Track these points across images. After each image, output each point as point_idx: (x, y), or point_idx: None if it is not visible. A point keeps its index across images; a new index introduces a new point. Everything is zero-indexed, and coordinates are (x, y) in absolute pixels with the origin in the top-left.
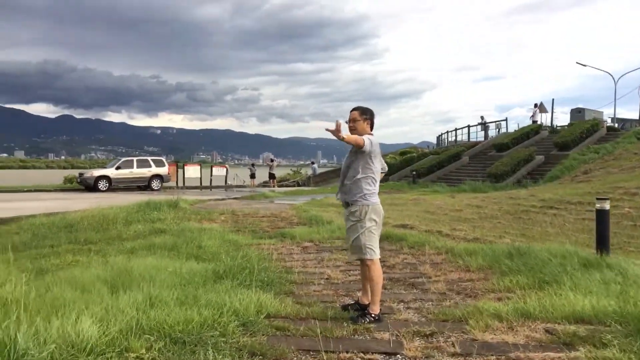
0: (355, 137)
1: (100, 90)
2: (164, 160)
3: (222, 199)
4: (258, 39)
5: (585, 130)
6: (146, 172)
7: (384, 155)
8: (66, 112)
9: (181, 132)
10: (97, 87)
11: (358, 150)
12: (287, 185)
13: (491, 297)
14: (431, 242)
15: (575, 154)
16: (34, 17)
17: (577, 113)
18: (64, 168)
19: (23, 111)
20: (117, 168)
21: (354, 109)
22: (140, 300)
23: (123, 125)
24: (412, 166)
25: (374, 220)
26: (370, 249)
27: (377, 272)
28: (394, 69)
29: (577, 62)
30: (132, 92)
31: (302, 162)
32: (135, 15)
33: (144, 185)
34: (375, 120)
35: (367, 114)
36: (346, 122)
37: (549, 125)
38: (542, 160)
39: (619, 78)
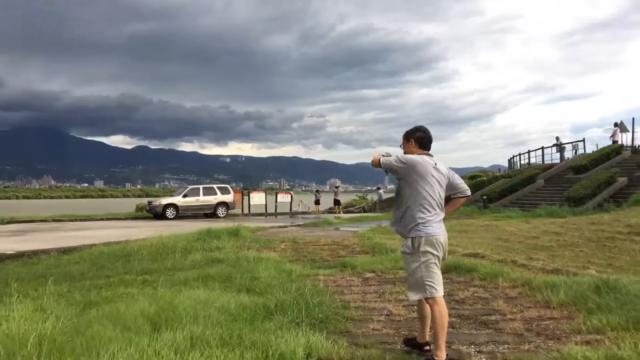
0: (386, 161)
1: (173, 122)
2: (229, 187)
3: (285, 226)
4: (324, 67)
5: None
6: (212, 199)
7: None
8: (142, 143)
9: (249, 160)
10: (170, 119)
11: (394, 174)
12: (352, 212)
13: (577, 340)
14: (505, 273)
15: None
16: (112, 54)
17: None
18: (139, 196)
19: (102, 143)
20: (184, 196)
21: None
22: (181, 340)
23: (194, 154)
24: (483, 190)
25: (430, 253)
26: (430, 285)
27: (440, 312)
28: (463, 91)
29: None
30: (203, 122)
31: (369, 188)
32: (206, 48)
33: (210, 212)
34: (444, 144)
35: (408, 135)
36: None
37: (630, 145)
38: (625, 183)
39: None
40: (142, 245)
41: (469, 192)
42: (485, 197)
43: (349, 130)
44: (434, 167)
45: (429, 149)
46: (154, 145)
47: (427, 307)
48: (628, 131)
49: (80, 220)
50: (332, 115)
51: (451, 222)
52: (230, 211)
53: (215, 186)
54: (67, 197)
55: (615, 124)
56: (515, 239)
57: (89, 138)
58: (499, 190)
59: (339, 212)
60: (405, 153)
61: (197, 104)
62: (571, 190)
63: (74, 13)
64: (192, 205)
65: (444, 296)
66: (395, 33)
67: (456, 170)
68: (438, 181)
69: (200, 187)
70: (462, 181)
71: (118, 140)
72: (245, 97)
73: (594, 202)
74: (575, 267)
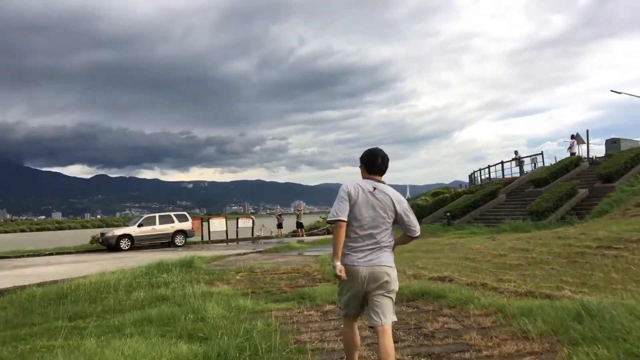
0: (335, 246)
1: (133, 149)
2: (187, 215)
3: (244, 253)
4: (285, 90)
5: (630, 159)
6: (169, 228)
7: (415, 198)
8: (101, 171)
9: (213, 185)
10: (130, 146)
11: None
12: (316, 234)
13: None
14: (476, 298)
15: (623, 185)
16: (69, 83)
17: (612, 143)
18: (99, 227)
19: (59, 173)
20: (139, 225)
21: None
22: None
23: (156, 181)
24: (446, 207)
25: (347, 282)
26: (341, 307)
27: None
28: (421, 110)
29: (612, 90)
30: (164, 148)
31: None
32: (165, 75)
33: (167, 241)
34: (405, 162)
35: (361, 158)
36: None
37: (587, 156)
38: (586, 194)
39: None
40: (82, 283)
41: (416, 234)
42: (448, 214)
43: (311, 152)
44: (370, 192)
45: (379, 173)
46: (113, 173)
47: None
48: (584, 143)
49: (28, 256)
50: (294, 137)
51: (416, 241)
52: (190, 239)
53: (172, 214)
54: (22, 230)
55: (572, 136)
56: (483, 258)
57: (45, 169)
58: (462, 207)
59: (302, 235)
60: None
61: (158, 130)
62: (533, 204)
63: (28, 43)
64: (148, 234)
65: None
66: (354, 55)
67: (418, 187)
68: (373, 207)
69: (157, 215)
70: (414, 220)
71: (76, 170)
72: (206, 123)
73: (556, 214)
74: (549, 288)
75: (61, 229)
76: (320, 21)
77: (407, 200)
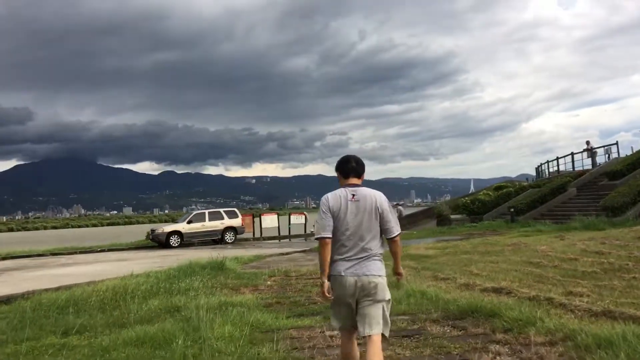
0: (322, 263)
1: (198, 146)
2: (236, 211)
3: (287, 253)
4: (345, 85)
5: None
6: (219, 224)
7: (478, 192)
8: (168, 168)
9: (274, 180)
10: (195, 143)
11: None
12: None
13: None
14: (539, 319)
15: None
16: (138, 84)
17: None
18: (165, 221)
19: (130, 170)
20: (189, 222)
21: None
22: None
23: (220, 177)
24: (510, 202)
25: (334, 293)
26: (332, 318)
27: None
28: (485, 102)
29: None
30: (227, 145)
31: (394, 203)
32: (228, 74)
33: (217, 238)
34: (468, 156)
35: (336, 166)
36: None
37: None
38: None
39: None
40: (95, 290)
41: (394, 233)
42: (512, 209)
43: (371, 147)
44: (351, 200)
45: (355, 176)
46: (180, 170)
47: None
48: None
49: (80, 252)
50: (354, 132)
51: (475, 240)
52: (241, 236)
53: (222, 210)
54: (94, 225)
55: None
56: (549, 263)
57: (116, 166)
58: (527, 202)
59: None
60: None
61: (221, 127)
62: (608, 199)
63: (100, 46)
64: (197, 231)
65: None
66: (415, 48)
67: (483, 181)
68: (356, 213)
69: (206, 211)
70: (392, 220)
71: (145, 167)
72: (268, 119)
73: (634, 210)
74: (633, 306)
75: (130, 223)
76: (380, 15)
77: (470, 194)
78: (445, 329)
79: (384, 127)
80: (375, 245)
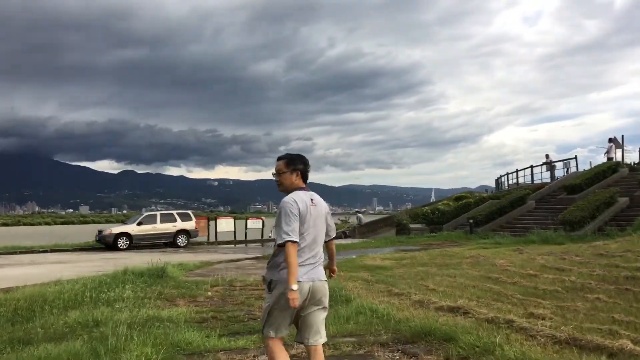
0: (291, 268)
1: (160, 146)
2: (190, 214)
3: (237, 260)
4: (312, 91)
5: None
6: (171, 227)
7: (438, 202)
8: (128, 167)
9: (237, 183)
10: (157, 143)
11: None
12: None
13: None
14: (498, 347)
15: None
16: (101, 80)
17: None
18: (122, 222)
19: (88, 168)
20: (139, 224)
21: (279, 158)
22: None
23: (181, 178)
24: (469, 213)
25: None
26: (267, 327)
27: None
28: (449, 114)
29: None
30: (190, 146)
31: (356, 210)
32: (194, 75)
33: (169, 241)
34: (431, 166)
35: (296, 164)
36: (273, 173)
37: (620, 162)
38: (626, 203)
39: None
40: (12, 297)
41: (333, 235)
42: (471, 221)
43: (335, 153)
44: (311, 205)
45: (305, 180)
46: (140, 169)
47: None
48: (621, 147)
49: (21, 252)
50: (319, 138)
51: (433, 251)
52: (194, 239)
53: (175, 212)
54: (47, 223)
55: (610, 140)
56: (508, 279)
57: (74, 163)
58: (486, 213)
59: None
60: (285, 184)
61: (185, 128)
62: (567, 213)
63: (65, 41)
64: (147, 234)
65: None
66: (383, 58)
67: (443, 191)
68: (314, 220)
69: (158, 213)
70: (333, 223)
71: (104, 166)
72: (233, 122)
73: (593, 225)
74: (598, 333)
75: (85, 222)
76: (350, 23)
77: (431, 203)
78: (395, 354)
79: (349, 134)
80: (321, 250)
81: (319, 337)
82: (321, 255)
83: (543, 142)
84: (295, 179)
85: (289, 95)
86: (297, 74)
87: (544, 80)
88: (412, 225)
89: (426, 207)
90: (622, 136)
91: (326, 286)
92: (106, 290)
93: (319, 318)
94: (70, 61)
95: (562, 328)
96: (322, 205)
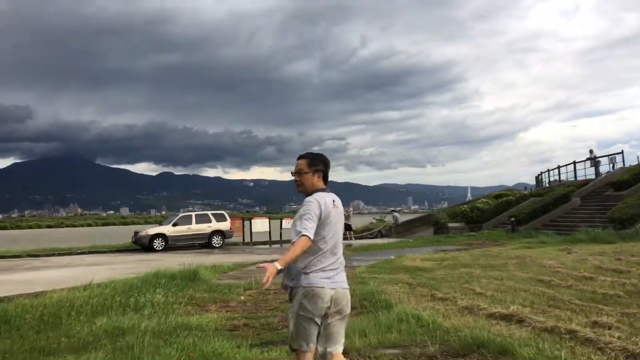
0: (291, 254)
1: (196, 148)
2: (225, 214)
3: (272, 261)
4: (345, 90)
5: None
6: (206, 227)
7: (475, 200)
8: (166, 169)
9: (273, 183)
10: (194, 145)
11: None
12: (367, 237)
13: None
14: None
15: None
16: (139, 84)
17: None
18: (159, 223)
19: (128, 170)
20: (174, 225)
21: (300, 157)
22: None
23: (218, 179)
24: (510, 211)
25: (306, 308)
26: (296, 340)
27: None
28: (484, 111)
29: None
30: (226, 147)
31: (392, 209)
32: (229, 77)
33: (204, 242)
34: (466, 163)
35: (317, 164)
36: (292, 172)
37: None
38: None
39: None
40: (38, 304)
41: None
42: (513, 219)
43: (369, 152)
44: (333, 207)
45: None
46: (178, 171)
47: None
48: None
49: (59, 254)
50: (353, 137)
51: (475, 251)
52: (229, 240)
53: (209, 213)
54: (89, 225)
55: None
56: (562, 281)
57: (114, 166)
58: (528, 211)
59: (350, 239)
60: (305, 185)
61: (220, 129)
62: (615, 210)
63: (105, 46)
64: (183, 234)
65: None
66: (416, 55)
67: (480, 189)
68: (336, 222)
69: (193, 214)
70: None
71: (143, 168)
72: (267, 123)
73: None
74: None
75: (125, 224)
76: (383, 22)
77: (468, 202)
78: None
79: (382, 133)
80: (342, 256)
81: (339, 346)
82: (343, 261)
83: (583, 138)
84: (317, 181)
85: (322, 95)
86: (330, 73)
87: (582, 75)
88: (450, 224)
89: (465, 206)
90: None
91: (348, 294)
92: (136, 294)
93: (341, 329)
94: (109, 66)
95: (632, 339)
96: (341, 208)
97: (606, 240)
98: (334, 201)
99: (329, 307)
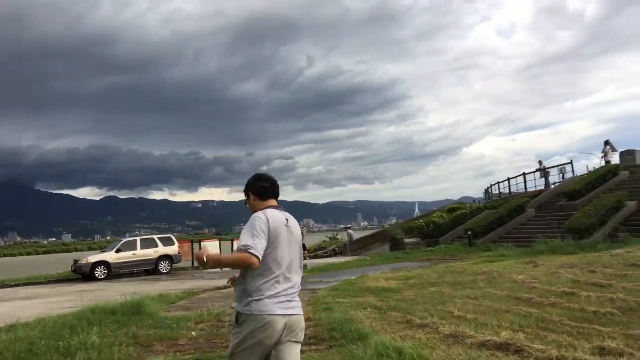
0: (226, 257)
1: (142, 170)
2: (172, 237)
3: (224, 287)
4: (293, 110)
5: None
6: (152, 252)
7: (427, 214)
8: (110, 193)
9: (222, 204)
10: (139, 168)
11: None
12: (321, 256)
13: None
14: None
15: None
16: (83, 107)
17: (627, 155)
18: (103, 249)
19: (70, 195)
20: (118, 251)
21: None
22: None
23: (165, 202)
24: (466, 224)
25: (256, 337)
26: None
27: None
28: (429, 127)
29: None
30: (173, 169)
31: (342, 226)
32: (175, 98)
33: (151, 268)
34: (413, 179)
35: (247, 187)
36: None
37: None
38: (635, 207)
39: None
40: None
41: (302, 271)
42: (470, 232)
43: (318, 170)
44: (286, 225)
45: (275, 197)
46: (123, 194)
47: None
48: (617, 151)
49: None
50: (301, 156)
51: (437, 267)
52: (178, 265)
53: (156, 237)
54: (28, 253)
55: (606, 142)
56: (542, 298)
57: (56, 191)
58: (484, 224)
59: (305, 258)
60: (251, 209)
61: (166, 151)
62: (573, 220)
63: (48, 70)
64: (127, 261)
65: None
66: (362, 74)
67: (427, 204)
68: (290, 242)
69: (138, 239)
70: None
71: (86, 192)
72: (215, 143)
73: (602, 232)
74: None
75: (67, 251)
76: (328, 42)
77: (417, 217)
78: None
79: (331, 151)
80: (299, 281)
81: None
82: (299, 286)
83: (523, 151)
84: (254, 199)
85: (270, 115)
86: (278, 93)
87: (521, 91)
88: (406, 240)
89: (420, 220)
90: (607, 141)
91: (302, 320)
92: (68, 336)
93: (293, 351)
94: (53, 89)
95: None
96: (297, 227)
97: (566, 251)
98: (287, 220)
99: (281, 335)
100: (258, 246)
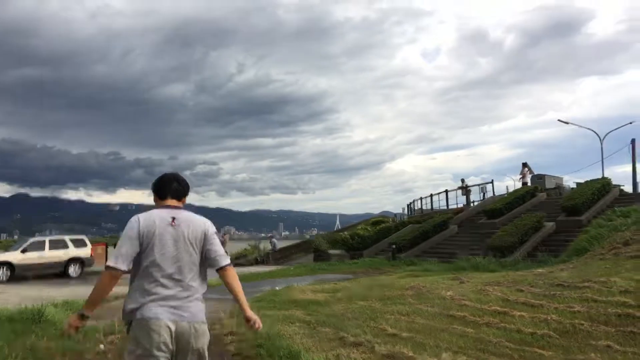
0: (94, 293)
1: (57, 169)
2: (85, 239)
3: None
4: (220, 116)
5: (596, 191)
6: (62, 254)
7: (350, 226)
8: (21, 190)
9: (141, 207)
10: (54, 166)
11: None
12: (243, 264)
13: None
14: None
15: (601, 219)
16: None
17: (538, 179)
18: (7, 249)
19: None
20: (24, 251)
21: None
22: None
23: (80, 202)
24: (391, 238)
25: (139, 342)
26: None
27: None
28: (354, 142)
29: (559, 120)
30: (90, 169)
31: (263, 235)
32: (98, 96)
33: (60, 271)
34: (336, 191)
35: (152, 190)
36: None
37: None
38: (553, 228)
39: (604, 136)
40: None
41: (223, 262)
42: (394, 246)
43: (242, 178)
44: (169, 224)
45: (175, 197)
46: (35, 192)
47: None
48: (533, 173)
49: None
50: (226, 163)
51: (363, 280)
52: (90, 269)
53: (66, 238)
54: None
55: (524, 165)
56: (476, 317)
57: None
58: (409, 238)
59: None
60: None
61: (84, 150)
62: (495, 238)
63: None
64: (33, 263)
65: None
66: (292, 85)
67: (348, 216)
68: (175, 242)
69: (47, 239)
70: (218, 247)
71: None
72: (137, 145)
73: (522, 251)
74: None
75: None
76: (260, 50)
77: (338, 230)
78: None
79: (256, 159)
80: (198, 283)
81: None
82: (195, 289)
83: (441, 170)
84: (155, 200)
85: (196, 119)
86: (206, 98)
87: (442, 112)
88: (331, 252)
89: (345, 232)
90: (524, 163)
91: (203, 328)
92: None
93: None
94: None
95: None
96: (195, 227)
97: (488, 268)
98: (173, 218)
99: (167, 345)
100: (122, 256)
